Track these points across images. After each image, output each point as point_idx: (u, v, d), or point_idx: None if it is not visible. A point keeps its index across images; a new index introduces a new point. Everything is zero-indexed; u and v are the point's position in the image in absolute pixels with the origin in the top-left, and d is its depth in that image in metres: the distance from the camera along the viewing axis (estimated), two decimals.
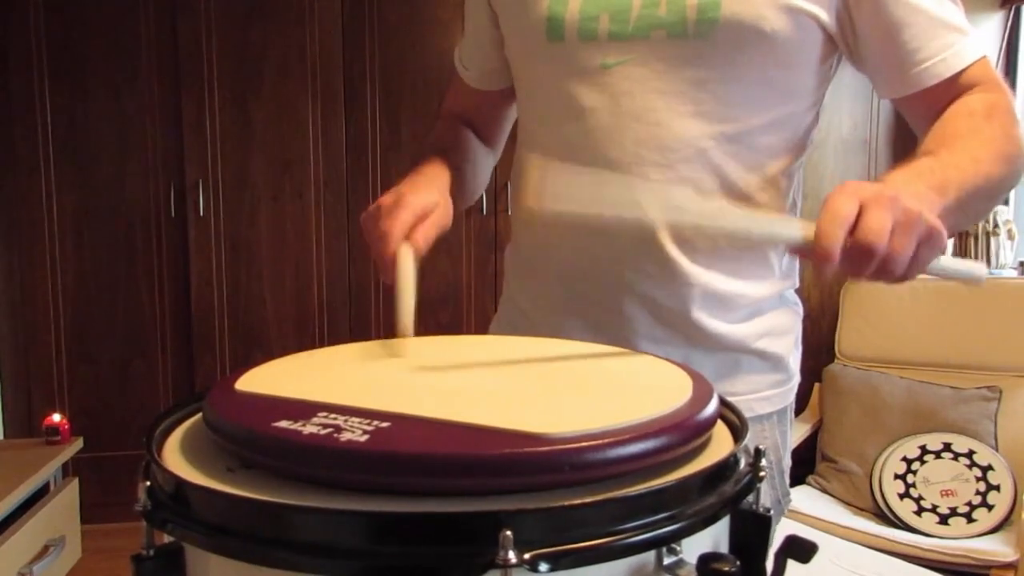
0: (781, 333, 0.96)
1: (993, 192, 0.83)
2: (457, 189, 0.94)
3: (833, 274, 0.66)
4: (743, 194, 0.89)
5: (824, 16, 0.85)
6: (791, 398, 0.99)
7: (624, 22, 0.87)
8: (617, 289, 0.90)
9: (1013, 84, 3.06)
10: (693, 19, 0.84)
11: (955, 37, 0.86)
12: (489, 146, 1.12)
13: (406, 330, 0.75)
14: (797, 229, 0.67)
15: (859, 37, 0.87)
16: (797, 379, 0.99)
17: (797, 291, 1.00)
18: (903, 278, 0.68)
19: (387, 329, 3.01)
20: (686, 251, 0.88)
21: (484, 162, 1.11)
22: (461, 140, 1.07)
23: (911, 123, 0.92)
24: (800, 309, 1.00)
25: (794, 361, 0.98)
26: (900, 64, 0.86)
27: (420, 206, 0.81)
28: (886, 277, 0.68)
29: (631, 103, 0.87)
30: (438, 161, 0.95)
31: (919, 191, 0.71)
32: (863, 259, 0.65)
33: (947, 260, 0.71)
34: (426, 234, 0.80)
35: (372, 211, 0.82)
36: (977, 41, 0.87)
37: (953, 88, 0.86)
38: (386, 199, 0.82)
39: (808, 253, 0.66)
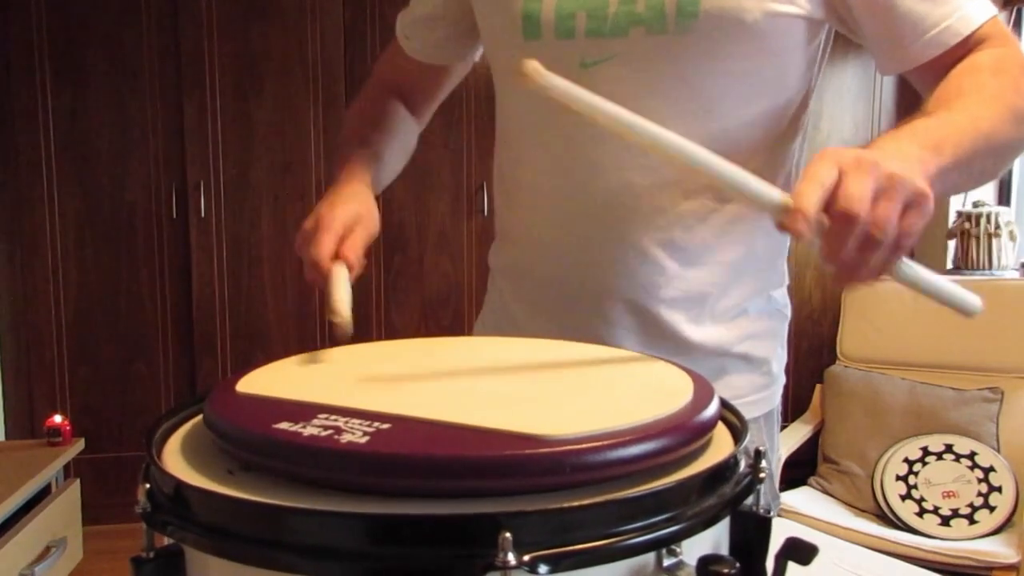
0: (766, 336, 0.95)
1: (1000, 149, 0.76)
2: (375, 178, 0.95)
3: (814, 247, 0.59)
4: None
5: (806, 3, 0.82)
6: (776, 401, 0.98)
7: (602, 19, 0.85)
8: (599, 294, 0.89)
9: None
10: (673, 15, 0.82)
11: (958, 1, 0.80)
12: (417, 117, 1.10)
13: (341, 311, 0.76)
14: (777, 193, 0.62)
15: (853, 14, 0.83)
16: (782, 381, 0.98)
17: (789, 289, 0.99)
18: (893, 252, 0.61)
19: (388, 331, 3.02)
20: (669, 252, 0.87)
21: (408, 139, 1.09)
22: (386, 117, 1.05)
23: (921, 92, 0.86)
24: (788, 311, 0.99)
25: (778, 364, 0.97)
26: (901, 38, 0.81)
27: (341, 224, 0.82)
28: (871, 250, 0.60)
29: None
30: (356, 163, 0.94)
31: (908, 152, 0.65)
32: (844, 229, 0.59)
33: (944, 282, 0.67)
34: (354, 248, 0.82)
35: (299, 237, 0.83)
36: (983, 2, 0.81)
37: (960, 52, 0.80)
38: (308, 223, 0.83)
39: (785, 218, 0.60)
